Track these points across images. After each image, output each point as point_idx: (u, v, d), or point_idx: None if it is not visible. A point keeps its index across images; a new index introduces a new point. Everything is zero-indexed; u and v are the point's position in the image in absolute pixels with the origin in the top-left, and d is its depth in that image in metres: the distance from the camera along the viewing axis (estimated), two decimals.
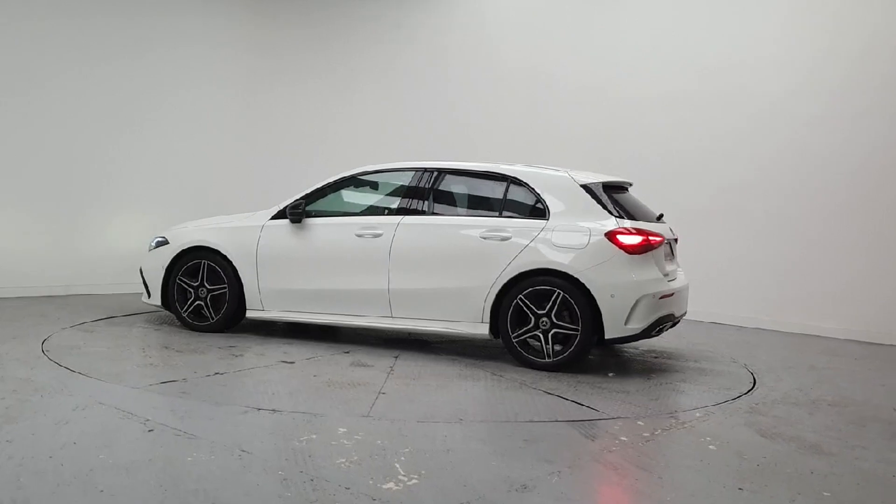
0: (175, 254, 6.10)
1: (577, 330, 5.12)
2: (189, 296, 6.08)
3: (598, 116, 8.85)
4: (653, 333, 5.32)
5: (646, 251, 5.20)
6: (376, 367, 5.19)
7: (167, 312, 6.41)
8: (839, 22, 7.61)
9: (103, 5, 8.22)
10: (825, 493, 3.18)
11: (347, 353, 5.60)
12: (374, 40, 9.83)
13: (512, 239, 5.32)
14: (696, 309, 8.24)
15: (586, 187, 5.42)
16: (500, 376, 5.08)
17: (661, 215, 5.88)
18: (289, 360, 5.27)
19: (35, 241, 7.77)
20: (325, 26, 9.87)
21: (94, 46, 8.14)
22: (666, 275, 5.41)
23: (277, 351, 5.56)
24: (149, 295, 6.29)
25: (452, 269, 5.45)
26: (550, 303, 5.16)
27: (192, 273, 6.07)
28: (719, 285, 8.20)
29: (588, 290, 5.09)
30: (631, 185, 6.01)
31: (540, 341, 5.21)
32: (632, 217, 5.42)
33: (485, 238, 5.40)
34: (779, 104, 7.86)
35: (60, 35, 7.89)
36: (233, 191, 9.11)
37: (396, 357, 5.53)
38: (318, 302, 5.84)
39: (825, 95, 7.62)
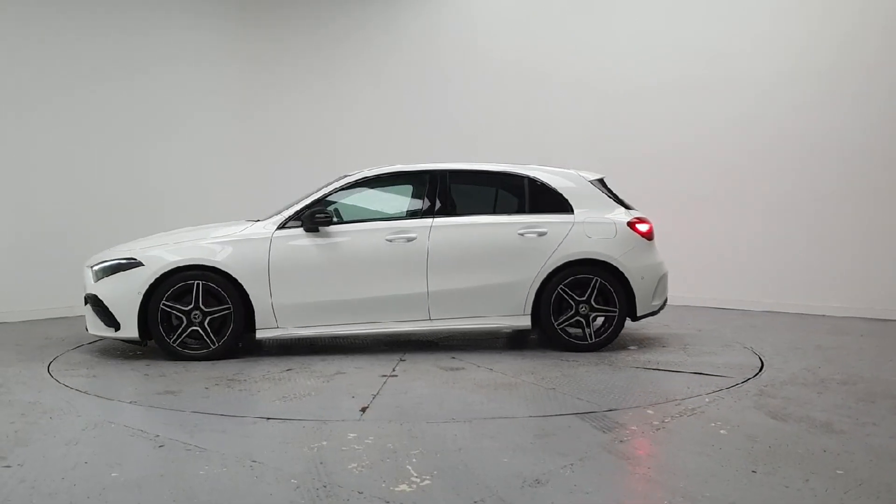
0: (158, 276, 5.36)
1: (614, 312, 5.71)
2: (177, 322, 5.40)
3: (593, 110, 8.85)
4: (663, 308, 6.07)
5: (653, 236, 5.96)
6: (467, 368, 5.23)
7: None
8: (827, 3, 7.60)
9: (95, 25, 8.22)
10: (838, 471, 3.17)
11: (404, 360, 5.53)
12: (365, 45, 9.83)
13: (549, 234, 5.69)
14: (699, 295, 8.27)
15: (593, 182, 6.01)
16: (576, 361, 5.46)
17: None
18: (390, 374, 5.06)
19: (36, 263, 7.76)
20: (316, 35, 9.87)
21: (87, 66, 8.14)
22: None
23: (350, 367, 5.26)
24: (115, 327, 5.41)
25: (494, 267, 5.66)
26: (590, 289, 5.68)
27: (177, 296, 5.39)
28: (721, 270, 8.21)
29: (622, 275, 5.70)
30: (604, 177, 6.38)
31: (580, 326, 5.73)
32: (626, 207, 6.05)
33: (522, 234, 5.70)
34: (775, 88, 7.87)
35: (53, 55, 7.89)
36: (234, 202, 9.10)
37: (454, 357, 5.59)
38: (345, 313, 5.57)
39: (820, 77, 7.62)
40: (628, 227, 5.80)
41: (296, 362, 5.46)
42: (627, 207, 6.03)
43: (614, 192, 6.15)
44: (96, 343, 6.28)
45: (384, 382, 4.83)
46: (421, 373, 5.11)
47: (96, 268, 5.59)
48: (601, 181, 6.11)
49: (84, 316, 5.73)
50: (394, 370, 5.19)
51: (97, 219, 8.17)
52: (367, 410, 4.17)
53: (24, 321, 7.48)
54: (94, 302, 5.53)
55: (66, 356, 5.77)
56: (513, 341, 6.38)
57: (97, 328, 5.56)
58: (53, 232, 7.90)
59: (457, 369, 5.21)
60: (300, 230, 5.59)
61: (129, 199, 8.43)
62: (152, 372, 5.17)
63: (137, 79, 8.54)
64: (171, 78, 8.83)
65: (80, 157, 8.09)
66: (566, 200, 5.86)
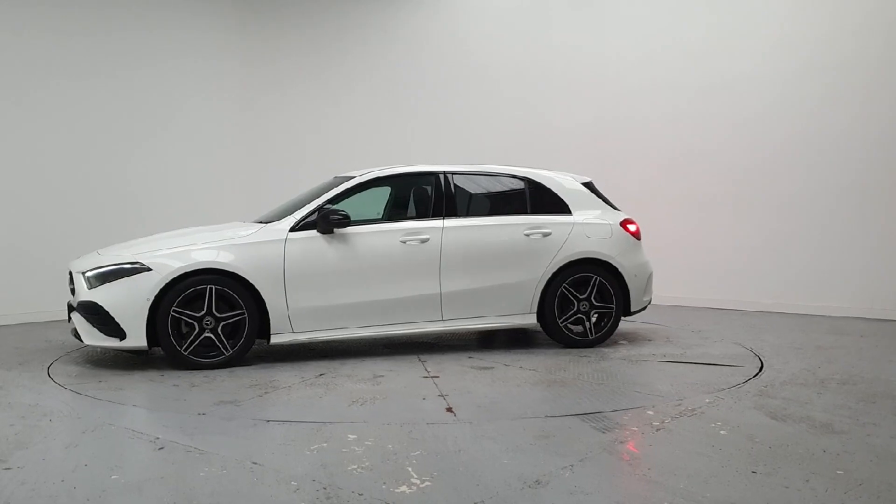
0: (167, 281, 5.07)
1: (611, 308, 5.95)
2: (186, 329, 5.16)
3: (592, 110, 8.85)
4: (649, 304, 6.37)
5: (640, 236, 6.25)
6: (497, 367, 5.30)
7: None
8: (835, 4, 7.57)
9: (92, 21, 8.22)
10: (839, 472, 3.17)
11: (424, 360, 5.54)
12: (362, 45, 9.83)
13: (553, 234, 5.87)
14: (699, 295, 8.27)
15: (585, 185, 6.25)
16: (587, 357, 5.66)
17: None
18: (431, 375, 5.04)
19: (36, 265, 7.76)
20: (314, 33, 9.87)
21: (84, 62, 8.15)
22: None
23: (381, 370, 5.21)
24: (119, 336, 5.10)
25: (504, 267, 5.79)
26: (590, 288, 5.92)
27: (187, 302, 5.13)
28: (722, 270, 8.21)
29: (619, 273, 5.96)
30: None
31: (581, 323, 5.94)
32: (614, 208, 6.31)
33: (528, 234, 5.86)
34: (774, 90, 7.87)
35: (51, 51, 7.89)
36: (233, 202, 9.11)
37: (471, 357, 5.66)
38: (360, 315, 5.49)
39: (820, 79, 7.61)
40: (621, 228, 6.11)
41: (317, 367, 5.31)
42: (615, 208, 6.27)
43: (602, 194, 6.35)
44: (96, 347, 6.25)
45: (435, 384, 4.81)
46: (458, 373, 5.12)
47: (90, 274, 5.21)
48: (590, 184, 6.32)
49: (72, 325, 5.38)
50: (428, 371, 5.19)
51: (97, 220, 8.16)
52: (454, 411, 4.15)
53: (23, 324, 7.48)
54: (90, 310, 5.15)
55: (66, 359, 5.77)
56: (494, 339, 6.39)
57: (94, 338, 5.18)
58: (53, 234, 7.89)
59: (488, 368, 5.25)
60: (314, 232, 5.44)
61: (128, 200, 8.43)
62: (182, 382, 4.87)
63: (134, 77, 8.52)
64: (167, 76, 8.82)
65: (78, 158, 8.09)
66: (563, 202, 6.07)
